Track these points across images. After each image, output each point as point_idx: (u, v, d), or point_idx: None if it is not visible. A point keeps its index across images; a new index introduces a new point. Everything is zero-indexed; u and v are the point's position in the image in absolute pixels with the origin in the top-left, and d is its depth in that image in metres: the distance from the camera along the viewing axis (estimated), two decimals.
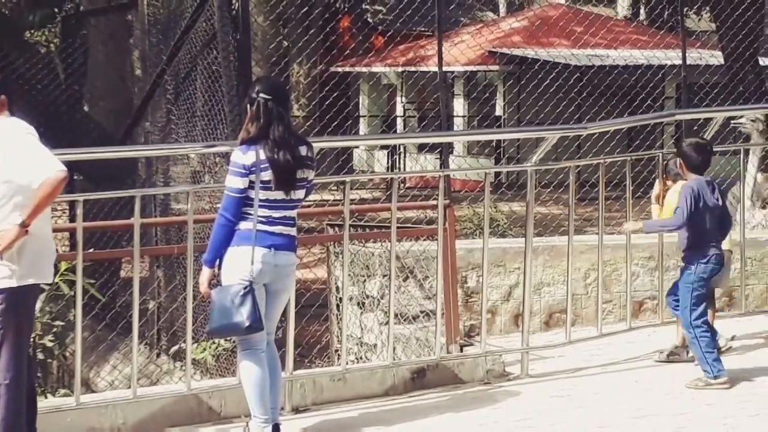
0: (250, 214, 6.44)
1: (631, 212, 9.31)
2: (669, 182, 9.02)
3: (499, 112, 28.25)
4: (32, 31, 22.61)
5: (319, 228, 11.82)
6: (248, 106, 6.53)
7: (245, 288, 6.36)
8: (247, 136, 6.48)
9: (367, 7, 32.93)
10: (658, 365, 8.67)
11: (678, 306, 8.22)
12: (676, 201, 8.43)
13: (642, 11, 33.41)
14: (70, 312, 8.85)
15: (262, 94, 6.48)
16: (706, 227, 8.21)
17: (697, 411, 7.44)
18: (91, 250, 8.89)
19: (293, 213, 6.58)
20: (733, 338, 9.39)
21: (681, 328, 8.56)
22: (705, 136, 9.57)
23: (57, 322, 9.65)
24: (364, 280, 10.39)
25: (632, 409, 7.49)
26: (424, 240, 9.98)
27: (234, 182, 6.45)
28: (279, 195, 6.47)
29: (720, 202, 8.31)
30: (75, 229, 6.97)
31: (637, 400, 7.71)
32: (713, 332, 8.20)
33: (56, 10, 20.89)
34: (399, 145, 25.87)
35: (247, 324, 6.35)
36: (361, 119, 28.88)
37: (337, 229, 10.26)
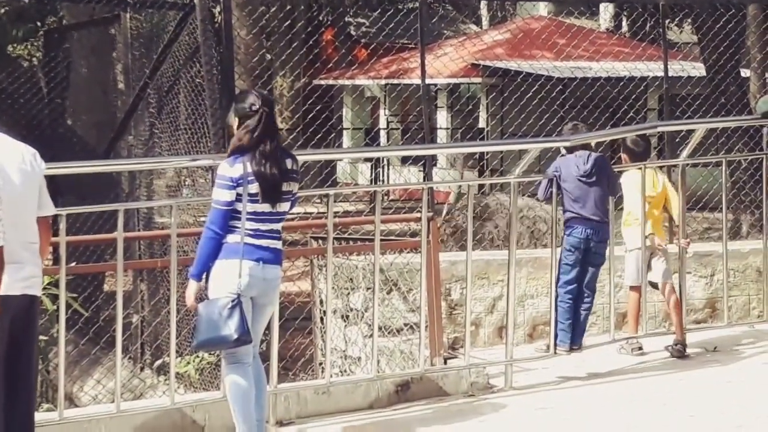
0: (237, 227, 6.43)
1: (613, 224, 9.33)
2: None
3: (482, 124, 28.28)
4: (14, 45, 22.55)
5: (302, 241, 11.82)
6: (241, 117, 6.49)
7: (233, 301, 6.36)
8: (238, 145, 6.46)
9: (350, 20, 32.96)
10: (641, 377, 8.69)
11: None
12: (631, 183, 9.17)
13: (624, 23, 33.53)
14: (53, 326, 8.83)
15: (264, 107, 6.48)
16: (572, 201, 8.79)
17: (680, 423, 7.46)
18: (73, 264, 8.86)
19: (279, 226, 6.58)
20: (715, 349, 9.43)
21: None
22: (688, 147, 9.64)
23: (40, 337, 9.62)
24: (348, 293, 10.39)
25: (616, 422, 7.50)
26: (408, 252, 9.99)
27: (221, 195, 6.44)
28: (266, 208, 6.47)
29: (589, 178, 8.81)
30: (58, 243, 6.96)
31: (621, 413, 7.72)
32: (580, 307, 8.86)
33: (39, 23, 20.84)
34: (382, 158, 25.89)
35: (235, 337, 6.34)
36: (345, 132, 28.88)
37: (320, 242, 10.26)
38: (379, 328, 8.78)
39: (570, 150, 8.96)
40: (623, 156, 9.44)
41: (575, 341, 8.77)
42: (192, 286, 6.48)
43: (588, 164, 8.83)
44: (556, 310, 8.70)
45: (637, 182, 9.15)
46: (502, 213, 13.51)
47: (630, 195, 9.20)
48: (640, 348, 9.27)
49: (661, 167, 9.86)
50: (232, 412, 6.51)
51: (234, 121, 6.52)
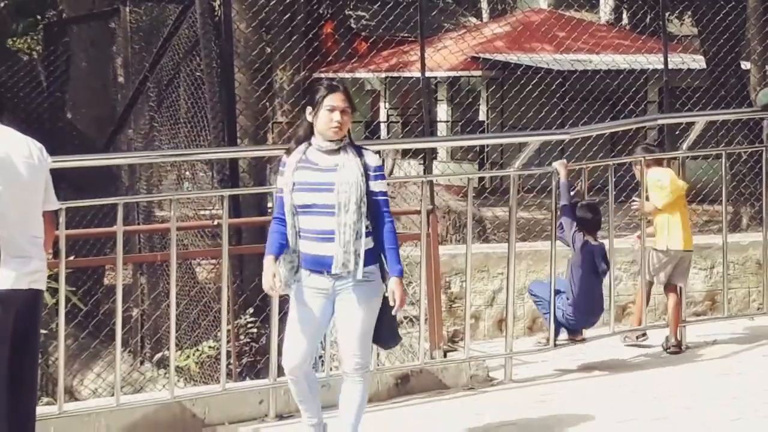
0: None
1: (613, 216, 9.33)
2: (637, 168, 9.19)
3: (482, 117, 28.28)
4: (14, 39, 22.56)
5: None
6: None
7: None
8: None
9: (350, 12, 32.92)
10: (640, 370, 8.69)
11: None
12: (654, 186, 8.98)
13: (624, 16, 33.50)
14: (52, 320, 8.83)
15: None
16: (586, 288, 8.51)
17: (676, 415, 7.46)
18: (72, 258, 8.86)
19: None
20: (714, 342, 9.43)
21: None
22: (688, 140, 9.63)
23: (40, 330, 9.61)
24: None
25: (615, 414, 7.50)
26: (408, 246, 9.98)
27: None
28: None
29: (603, 269, 8.60)
30: (57, 236, 6.96)
31: (620, 405, 7.73)
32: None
33: (39, 17, 20.86)
34: (382, 151, 25.88)
35: None
36: None
37: None
38: None
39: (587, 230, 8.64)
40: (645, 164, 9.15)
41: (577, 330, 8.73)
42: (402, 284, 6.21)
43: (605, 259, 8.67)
44: (553, 304, 8.68)
45: (657, 180, 9.10)
46: None
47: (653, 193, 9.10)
48: (644, 334, 9.22)
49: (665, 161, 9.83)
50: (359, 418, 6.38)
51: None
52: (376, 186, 6.11)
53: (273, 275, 6.07)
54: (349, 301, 6.15)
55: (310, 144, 6.17)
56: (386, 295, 6.18)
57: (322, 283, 6.16)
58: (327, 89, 6.13)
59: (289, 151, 6.23)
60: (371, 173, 6.09)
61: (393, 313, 6.22)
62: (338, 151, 6.11)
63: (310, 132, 6.17)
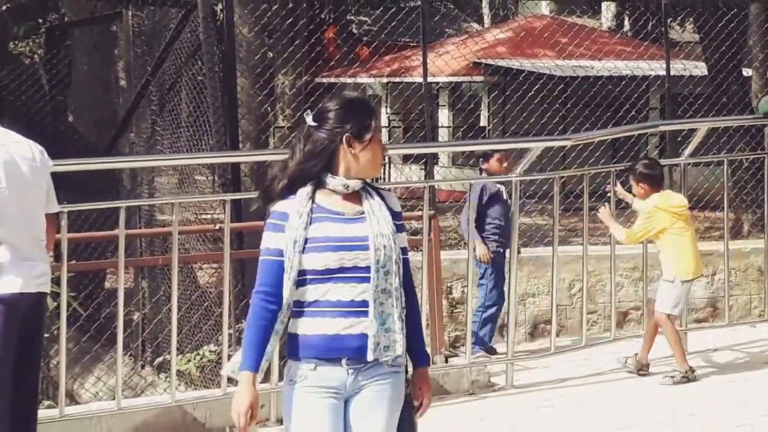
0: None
1: (615, 223, 9.31)
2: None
3: (484, 122, 28.25)
4: (16, 42, 22.56)
5: None
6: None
7: None
8: None
9: (353, 17, 32.93)
10: (643, 377, 8.67)
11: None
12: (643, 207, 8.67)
13: (626, 22, 33.49)
14: (54, 324, 8.83)
15: None
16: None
17: (679, 422, 7.45)
18: (74, 262, 8.86)
19: None
20: (715, 349, 9.42)
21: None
22: (689, 147, 9.63)
23: (44, 333, 9.60)
24: None
25: (615, 420, 7.50)
26: (409, 251, 9.97)
27: None
28: None
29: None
30: (59, 240, 6.96)
31: (620, 411, 7.72)
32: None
33: (40, 21, 20.86)
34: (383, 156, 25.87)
35: None
36: None
37: None
38: None
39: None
40: (640, 186, 8.52)
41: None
42: None
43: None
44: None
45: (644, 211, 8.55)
46: None
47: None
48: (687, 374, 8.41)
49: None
50: None
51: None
52: (400, 241, 4.41)
53: (249, 407, 4.25)
54: (377, 402, 4.31)
55: (317, 185, 4.31)
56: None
57: (336, 377, 4.24)
58: (369, 111, 4.37)
59: (280, 194, 4.30)
60: (396, 222, 4.39)
61: (418, 416, 4.57)
62: (358, 194, 4.35)
63: (324, 167, 4.30)
